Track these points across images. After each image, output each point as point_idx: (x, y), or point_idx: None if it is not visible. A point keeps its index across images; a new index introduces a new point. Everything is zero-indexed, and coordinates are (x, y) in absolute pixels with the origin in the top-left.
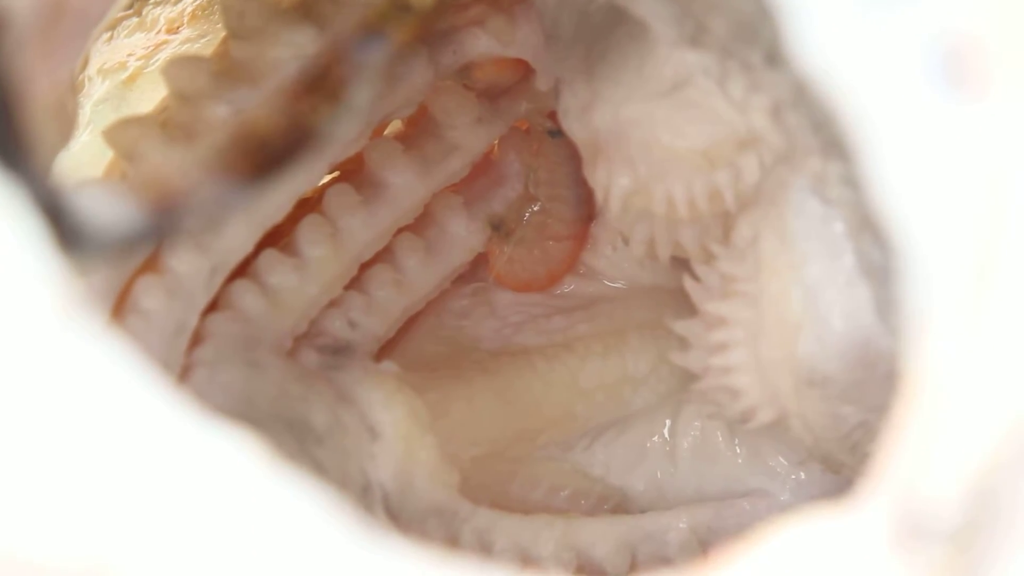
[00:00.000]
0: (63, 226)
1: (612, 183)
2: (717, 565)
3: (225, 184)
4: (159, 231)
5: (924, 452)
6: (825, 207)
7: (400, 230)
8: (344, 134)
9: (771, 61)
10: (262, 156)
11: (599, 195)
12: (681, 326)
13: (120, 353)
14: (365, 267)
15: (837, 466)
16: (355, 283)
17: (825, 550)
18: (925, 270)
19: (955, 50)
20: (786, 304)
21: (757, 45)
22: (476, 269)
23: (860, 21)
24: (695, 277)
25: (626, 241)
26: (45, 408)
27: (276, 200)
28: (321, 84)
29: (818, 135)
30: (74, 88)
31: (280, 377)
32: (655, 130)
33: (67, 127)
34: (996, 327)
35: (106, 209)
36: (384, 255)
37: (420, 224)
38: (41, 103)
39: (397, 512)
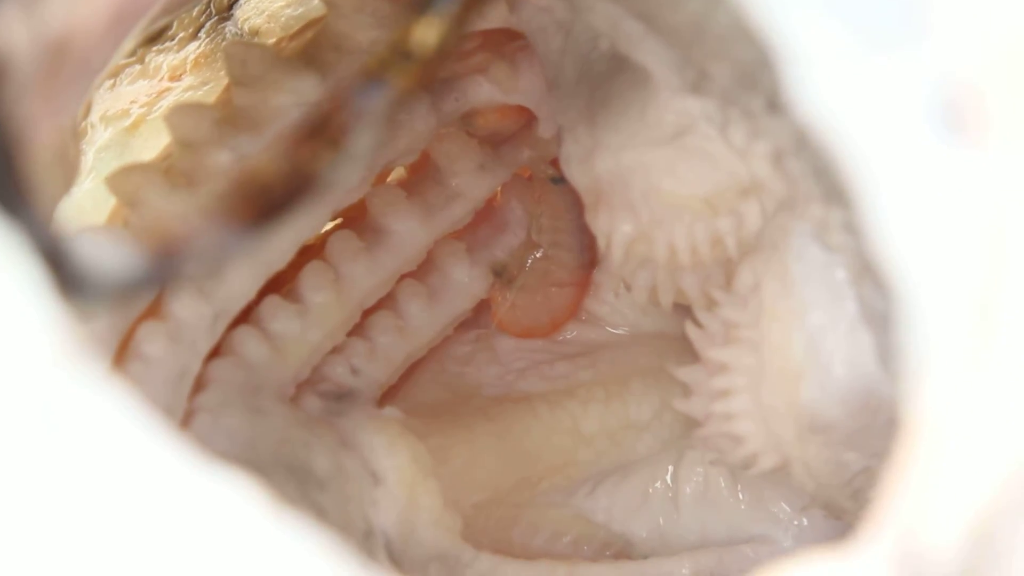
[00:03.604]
0: (64, 272)
1: (614, 230)
2: None
3: (227, 230)
4: (160, 277)
5: (925, 497)
6: (827, 254)
7: (403, 276)
8: (345, 180)
9: (772, 108)
10: (264, 202)
11: (601, 242)
12: (683, 372)
13: (120, 399)
14: (368, 313)
15: (839, 512)
16: (358, 329)
17: None
18: (925, 315)
19: (955, 96)
20: (788, 351)
21: (758, 92)
22: (478, 315)
23: (860, 67)
24: (697, 323)
25: (628, 288)
26: (45, 455)
27: (278, 246)
28: (322, 130)
29: (820, 182)
30: (76, 135)
31: (283, 423)
32: (657, 177)
33: (70, 174)
34: (996, 372)
35: (107, 255)
36: (386, 301)
37: (423, 270)
38: (43, 149)
39: (399, 558)
